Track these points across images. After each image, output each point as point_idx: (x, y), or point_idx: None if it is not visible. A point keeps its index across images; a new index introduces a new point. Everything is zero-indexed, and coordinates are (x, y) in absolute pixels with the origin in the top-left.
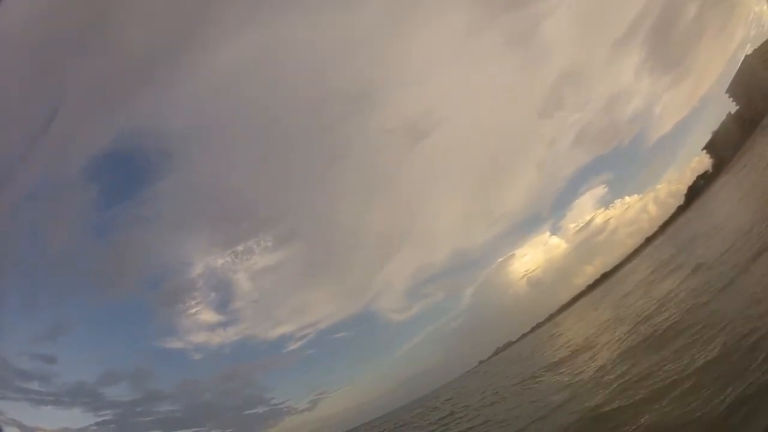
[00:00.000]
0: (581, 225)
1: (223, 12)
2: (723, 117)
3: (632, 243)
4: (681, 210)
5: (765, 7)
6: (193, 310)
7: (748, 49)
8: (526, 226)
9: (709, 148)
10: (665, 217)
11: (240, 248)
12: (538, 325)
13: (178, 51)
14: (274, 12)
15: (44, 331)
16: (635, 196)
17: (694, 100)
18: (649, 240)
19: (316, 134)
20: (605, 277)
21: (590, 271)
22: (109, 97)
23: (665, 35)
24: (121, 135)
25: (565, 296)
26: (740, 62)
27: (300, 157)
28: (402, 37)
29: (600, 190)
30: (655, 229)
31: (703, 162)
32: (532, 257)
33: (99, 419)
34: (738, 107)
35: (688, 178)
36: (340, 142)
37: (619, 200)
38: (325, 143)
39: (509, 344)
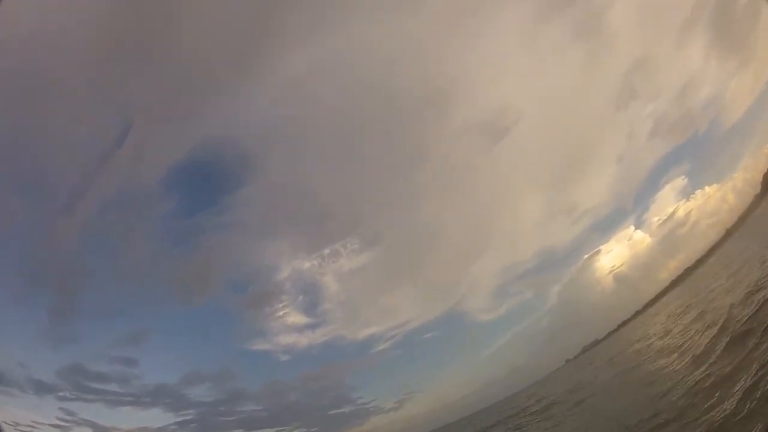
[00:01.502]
0: (664, 218)
1: (294, 16)
2: None
3: (714, 235)
4: (758, 199)
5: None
6: (281, 313)
7: None
8: (610, 221)
9: None
10: (744, 207)
11: (326, 251)
12: (624, 323)
13: (251, 56)
14: (345, 14)
15: (125, 336)
16: (714, 186)
17: (761, 83)
18: (729, 231)
19: (393, 136)
20: (689, 271)
21: (674, 266)
22: (184, 106)
23: (728, 15)
24: (199, 144)
25: (651, 292)
26: None
27: (380, 159)
28: (470, 33)
29: (680, 181)
30: (735, 219)
31: None
32: (618, 252)
33: (180, 419)
34: None
35: (764, 165)
36: (418, 142)
37: (699, 191)
38: (403, 144)
39: (596, 342)
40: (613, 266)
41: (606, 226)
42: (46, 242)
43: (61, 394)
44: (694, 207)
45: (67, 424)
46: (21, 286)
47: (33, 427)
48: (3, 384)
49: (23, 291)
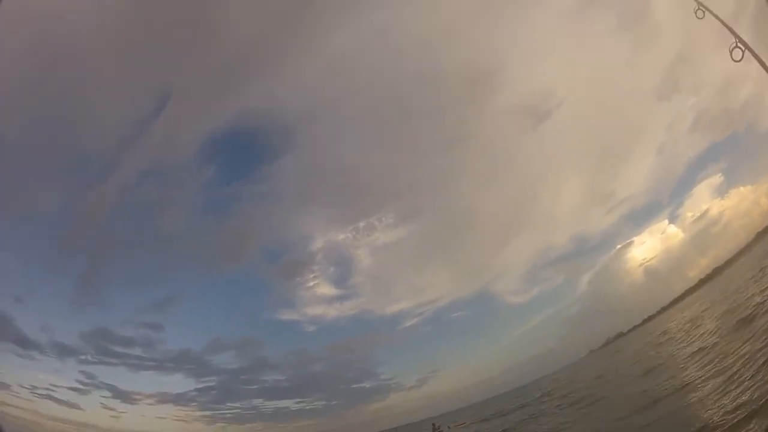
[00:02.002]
0: (698, 215)
1: None
2: None
3: (744, 236)
4: None
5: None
6: (312, 283)
7: None
8: (645, 213)
9: None
10: None
11: (361, 224)
12: (650, 317)
13: (295, 32)
14: None
15: (153, 302)
16: (749, 187)
17: None
18: (760, 235)
19: (435, 115)
20: (717, 271)
21: (704, 264)
22: (225, 78)
23: None
24: (239, 114)
25: (679, 289)
26: None
27: (420, 137)
28: (516, 16)
29: (717, 179)
30: (767, 223)
31: None
32: (650, 245)
33: (201, 385)
34: None
35: None
36: (460, 123)
37: (734, 190)
38: (444, 123)
39: (620, 335)
40: (645, 259)
41: (640, 218)
42: (81, 210)
43: (83, 357)
44: (728, 206)
45: (86, 387)
46: (52, 252)
47: (50, 389)
48: (25, 347)
49: (54, 257)
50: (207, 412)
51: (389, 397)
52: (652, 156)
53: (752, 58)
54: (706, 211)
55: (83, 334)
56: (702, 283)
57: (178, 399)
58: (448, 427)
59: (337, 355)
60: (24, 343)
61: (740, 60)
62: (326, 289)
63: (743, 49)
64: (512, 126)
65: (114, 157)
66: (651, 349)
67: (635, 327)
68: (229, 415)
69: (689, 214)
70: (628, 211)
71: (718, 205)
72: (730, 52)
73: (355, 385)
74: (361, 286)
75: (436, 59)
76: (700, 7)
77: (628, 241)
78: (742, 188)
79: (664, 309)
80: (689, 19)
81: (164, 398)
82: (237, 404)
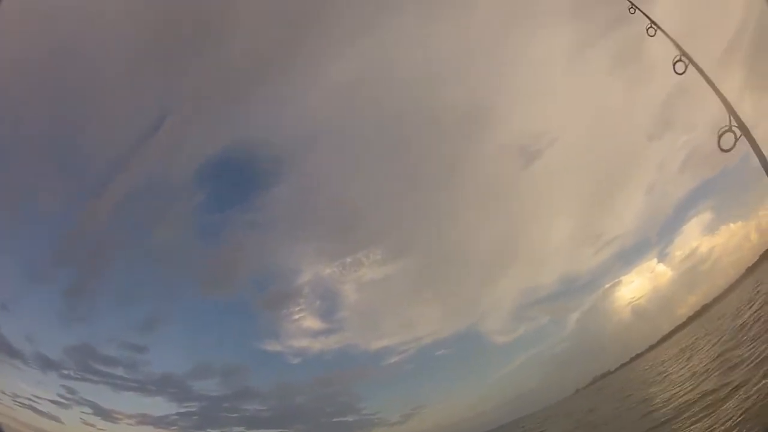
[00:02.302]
0: (687, 252)
1: (340, 22)
2: None
3: (734, 272)
4: None
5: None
6: (297, 316)
7: None
8: (634, 252)
9: None
10: (766, 246)
11: (349, 260)
12: (638, 356)
13: (295, 59)
14: (392, 24)
15: (139, 322)
16: (739, 223)
17: None
18: (750, 270)
19: (430, 150)
20: (706, 308)
21: (693, 301)
22: (223, 102)
23: (765, 52)
24: (235, 140)
25: (667, 327)
26: None
27: (413, 172)
28: (514, 55)
29: (706, 216)
30: (756, 259)
31: None
32: (639, 284)
33: (182, 410)
34: None
35: None
36: (453, 159)
37: (724, 226)
38: (438, 160)
39: (608, 373)
40: (633, 298)
41: (629, 257)
42: (73, 222)
43: (65, 371)
44: (718, 243)
45: (67, 402)
46: (42, 263)
47: (32, 400)
48: (9, 355)
49: (43, 268)
50: None
51: None
52: (642, 195)
53: (746, 94)
54: (696, 248)
55: (67, 348)
56: (690, 320)
57: (159, 422)
58: None
59: (320, 388)
60: (8, 351)
61: (683, 73)
62: (312, 323)
63: (686, 63)
64: (505, 164)
65: (111, 173)
66: (643, 382)
67: (623, 365)
68: None
69: (678, 253)
70: (617, 250)
71: (708, 242)
72: (673, 65)
73: (337, 419)
74: (347, 321)
75: (431, 95)
76: (652, 26)
77: (616, 280)
78: (732, 225)
79: (652, 347)
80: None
81: (145, 420)
82: (218, 431)
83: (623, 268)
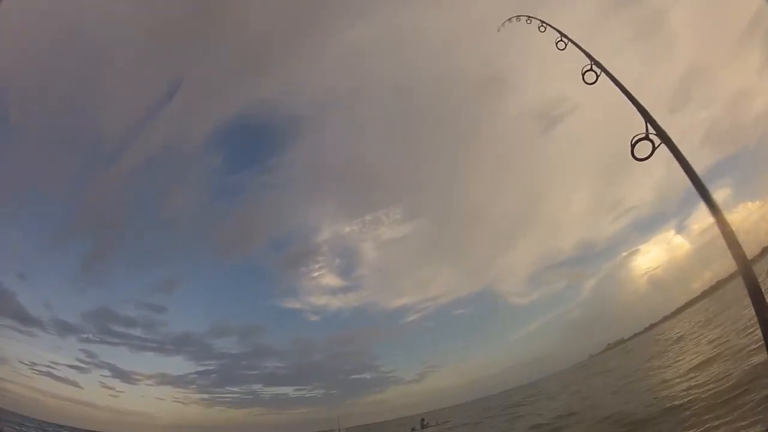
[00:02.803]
0: (705, 227)
1: None
2: None
3: (749, 251)
4: None
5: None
6: (316, 274)
7: None
8: (652, 222)
9: None
10: None
11: (368, 218)
12: (652, 326)
13: (312, 24)
14: None
15: (157, 283)
16: (757, 203)
17: None
18: (766, 250)
19: (447, 115)
20: (721, 284)
21: (708, 276)
22: (237, 68)
23: None
24: (250, 104)
25: (682, 299)
26: None
27: (432, 136)
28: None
29: (725, 192)
30: None
31: None
32: (656, 255)
33: (201, 368)
34: None
35: None
36: (472, 123)
37: (741, 205)
38: (456, 123)
39: (621, 341)
40: (649, 267)
41: (647, 227)
42: (90, 191)
43: (84, 335)
44: (735, 221)
45: (85, 366)
46: (60, 230)
47: (50, 366)
48: (27, 323)
49: (60, 235)
50: (206, 395)
51: (388, 389)
52: (662, 167)
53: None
54: (713, 223)
55: (85, 313)
56: (705, 294)
57: (178, 381)
58: (437, 423)
59: (338, 346)
60: (25, 320)
61: (594, 82)
62: (330, 280)
63: (598, 72)
64: (523, 129)
65: (125, 141)
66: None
67: (636, 334)
68: (227, 399)
69: (696, 226)
70: (635, 219)
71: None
72: (583, 75)
73: (354, 376)
74: (365, 279)
75: (450, 60)
76: (562, 39)
77: (633, 249)
78: (750, 204)
79: (666, 318)
80: (704, 32)
81: (164, 380)
82: (236, 389)
83: (641, 238)
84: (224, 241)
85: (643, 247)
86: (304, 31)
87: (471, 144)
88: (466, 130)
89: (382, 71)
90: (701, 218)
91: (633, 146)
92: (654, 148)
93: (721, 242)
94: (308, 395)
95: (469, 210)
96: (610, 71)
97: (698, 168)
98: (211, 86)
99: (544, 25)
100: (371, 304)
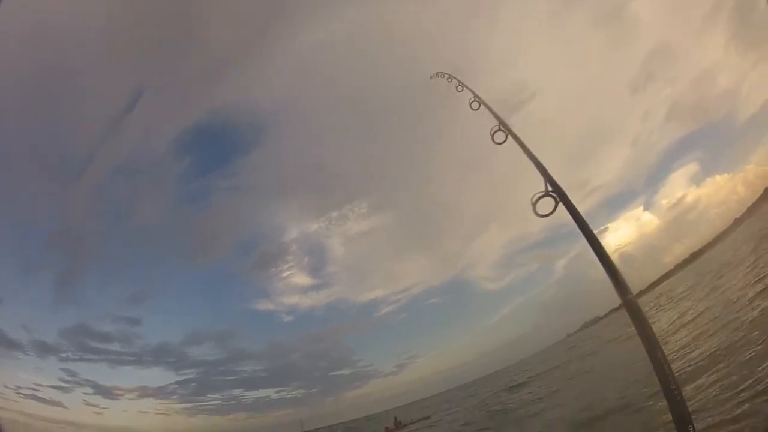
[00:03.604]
0: (674, 202)
1: None
2: None
3: (721, 223)
4: None
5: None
6: (287, 274)
7: None
8: (620, 200)
9: None
10: (753, 199)
11: (334, 214)
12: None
13: (269, 27)
14: None
15: (130, 296)
16: (725, 176)
17: None
18: (737, 221)
19: (407, 109)
20: (694, 256)
21: (679, 250)
22: (199, 73)
23: (750, 8)
24: (212, 109)
25: (654, 274)
26: None
27: (393, 130)
28: (490, 12)
29: (692, 167)
30: (743, 211)
31: None
32: (625, 232)
33: (180, 378)
34: None
35: None
36: (432, 115)
37: (710, 179)
38: (416, 116)
39: (597, 319)
40: (620, 245)
41: (615, 205)
42: (57, 209)
43: (63, 355)
44: (704, 194)
45: (68, 385)
46: (31, 252)
47: (34, 389)
48: (8, 347)
49: (33, 256)
50: (188, 405)
51: (369, 383)
52: (627, 145)
53: (731, 50)
54: (682, 198)
55: (63, 331)
56: (678, 268)
57: (159, 392)
58: (411, 421)
59: (313, 344)
60: (5, 343)
61: (503, 142)
62: (301, 279)
63: (506, 132)
64: (486, 118)
65: (88, 156)
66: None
67: (612, 311)
68: (210, 407)
69: (664, 202)
70: (602, 198)
71: (694, 193)
72: (492, 136)
73: (333, 373)
74: (336, 276)
75: (408, 54)
76: (476, 99)
77: (602, 227)
78: (718, 177)
79: (641, 293)
80: (667, 11)
81: (145, 392)
82: (217, 395)
83: (609, 216)
84: (193, 247)
85: (612, 225)
86: (261, 33)
87: (433, 136)
88: (428, 123)
89: (340, 68)
90: (670, 193)
91: (534, 204)
92: (556, 205)
93: (691, 216)
94: (289, 396)
95: (435, 199)
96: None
97: (662, 145)
98: (171, 94)
99: (461, 85)
100: (343, 300)
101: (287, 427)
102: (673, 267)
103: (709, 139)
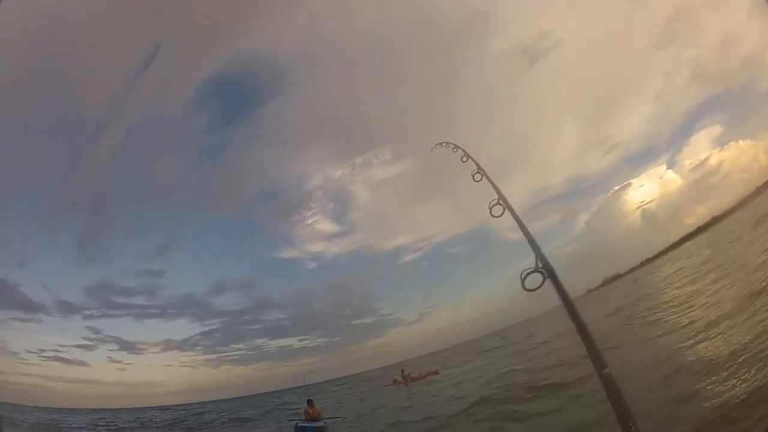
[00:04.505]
0: (697, 163)
1: None
2: None
3: (743, 189)
4: None
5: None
6: (310, 221)
7: None
8: (643, 157)
9: None
10: None
11: (358, 160)
12: (647, 260)
13: None
14: None
15: (153, 249)
16: (749, 142)
17: None
18: (759, 189)
19: (430, 56)
20: (715, 220)
21: (701, 212)
22: (214, 22)
23: None
24: (230, 59)
25: (676, 234)
26: None
27: (416, 78)
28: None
29: (716, 129)
30: (766, 179)
31: None
32: (648, 189)
33: (204, 329)
34: None
35: None
36: (454, 64)
37: (733, 143)
38: (440, 65)
39: (618, 276)
40: (642, 201)
41: (638, 161)
42: (77, 170)
43: (87, 312)
44: (727, 158)
45: (92, 343)
46: (52, 213)
47: (57, 350)
48: (30, 311)
49: (54, 217)
50: (212, 356)
51: (390, 332)
52: (650, 101)
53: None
54: (705, 159)
55: (86, 289)
56: (699, 230)
57: (183, 345)
58: (420, 374)
59: (337, 292)
60: (29, 307)
61: (500, 215)
62: (325, 226)
63: (504, 206)
64: (507, 66)
65: (106, 115)
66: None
67: (632, 269)
68: (234, 357)
69: (687, 162)
70: (625, 154)
71: (717, 155)
72: (490, 209)
73: (355, 321)
74: (360, 222)
75: (431, 3)
76: (479, 171)
77: (625, 183)
78: (741, 142)
79: (662, 253)
80: None
81: (169, 345)
82: (241, 345)
83: (632, 172)
84: (215, 198)
85: (635, 181)
86: None
87: (455, 85)
88: (450, 72)
89: (360, 17)
90: (693, 154)
91: (523, 280)
92: (544, 280)
93: (714, 179)
94: (312, 344)
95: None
96: None
97: (685, 105)
98: (188, 44)
99: (467, 156)
100: (367, 247)
101: (319, 374)
102: (694, 229)
103: (732, 104)
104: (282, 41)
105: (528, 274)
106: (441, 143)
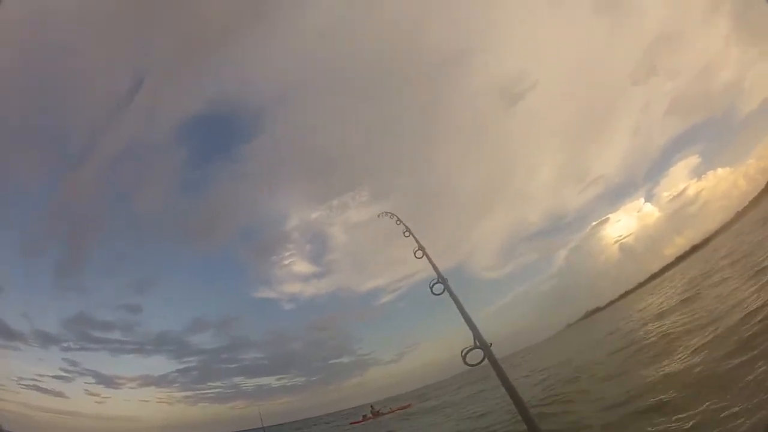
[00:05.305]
0: (674, 194)
1: None
2: None
3: (722, 216)
4: None
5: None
6: (287, 261)
7: None
8: (620, 191)
9: None
10: (754, 194)
11: (335, 202)
12: (627, 293)
13: (266, 10)
14: None
15: (131, 283)
16: (727, 169)
17: None
18: (739, 215)
19: (409, 94)
20: (695, 249)
21: (680, 242)
22: (198, 60)
23: (754, 2)
24: (212, 96)
25: (655, 266)
26: None
27: (394, 116)
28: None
29: (693, 160)
30: (745, 204)
31: None
32: (626, 223)
33: (182, 366)
34: None
35: None
36: (434, 102)
37: (711, 172)
38: (419, 103)
39: (597, 309)
40: (620, 236)
41: (616, 196)
42: (58, 196)
43: (65, 344)
44: (706, 187)
45: (70, 375)
46: (31, 239)
47: (36, 380)
48: (8, 339)
49: (33, 244)
50: (189, 393)
51: (368, 371)
52: (628, 136)
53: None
54: (683, 190)
55: (64, 321)
56: (679, 260)
57: (160, 381)
58: (390, 410)
59: (314, 332)
60: (7, 334)
61: (441, 293)
62: (302, 267)
63: (444, 286)
64: (486, 106)
65: (88, 142)
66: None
67: (612, 302)
68: (211, 395)
69: (665, 194)
70: (603, 189)
71: (695, 186)
72: (431, 288)
73: (333, 361)
74: (337, 264)
75: (408, 39)
76: (420, 248)
77: (603, 218)
78: (720, 170)
79: (641, 284)
80: (669, 2)
81: (146, 381)
82: (218, 383)
83: (610, 207)
84: (194, 234)
85: (612, 216)
86: (264, 16)
87: (435, 123)
88: (429, 109)
89: (339, 55)
90: (671, 186)
91: (464, 356)
92: (484, 356)
93: (692, 209)
94: (290, 384)
95: (436, 187)
96: None
97: (663, 138)
98: (174, 79)
99: (408, 231)
100: (344, 288)
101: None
102: (673, 259)
103: (710, 132)
104: (262, 78)
105: (468, 351)
106: (384, 213)
